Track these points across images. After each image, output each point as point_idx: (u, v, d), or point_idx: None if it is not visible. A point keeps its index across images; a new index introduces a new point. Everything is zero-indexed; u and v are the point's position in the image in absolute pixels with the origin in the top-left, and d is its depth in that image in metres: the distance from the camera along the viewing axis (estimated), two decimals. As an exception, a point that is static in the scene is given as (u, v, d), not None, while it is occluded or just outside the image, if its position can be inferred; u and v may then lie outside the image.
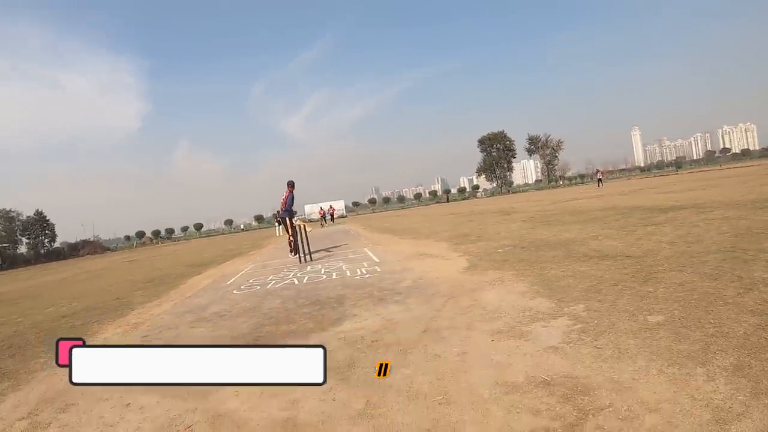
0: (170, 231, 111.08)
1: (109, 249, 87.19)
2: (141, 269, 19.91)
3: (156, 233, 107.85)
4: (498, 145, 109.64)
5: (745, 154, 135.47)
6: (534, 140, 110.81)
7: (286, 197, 13.41)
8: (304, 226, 12.94)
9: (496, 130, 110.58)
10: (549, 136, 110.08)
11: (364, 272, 9.15)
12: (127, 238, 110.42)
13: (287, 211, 13.52)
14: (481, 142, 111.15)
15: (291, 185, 13.47)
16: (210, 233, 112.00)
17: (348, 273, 9.35)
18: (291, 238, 13.62)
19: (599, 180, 55.01)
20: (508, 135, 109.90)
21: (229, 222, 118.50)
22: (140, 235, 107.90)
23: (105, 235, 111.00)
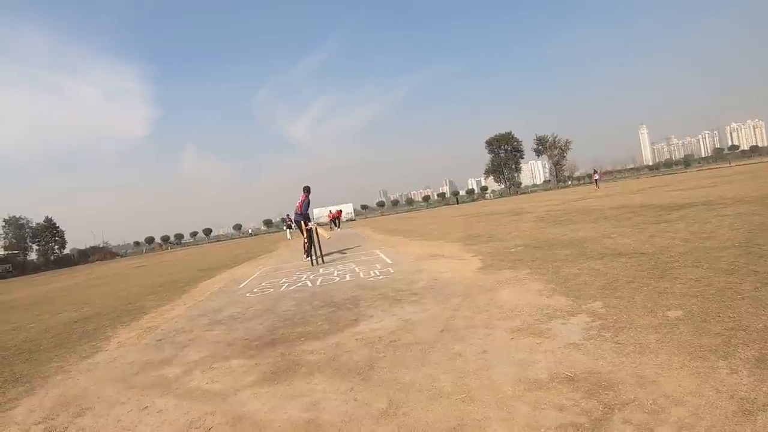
0: (179, 236, 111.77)
1: (118, 255, 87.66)
2: (152, 274, 19.98)
3: (165, 239, 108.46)
4: (506, 146, 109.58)
5: (754, 150, 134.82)
6: (542, 141, 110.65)
7: (302, 202, 13.55)
8: (317, 229, 12.97)
9: (503, 131, 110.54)
10: (557, 137, 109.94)
11: (378, 273, 9.14)
12: (137, 243, 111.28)
13: (302, 215, 13.59)
14: (489, 143, 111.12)
15: (307, 190, 13.75)
16: (219, 238, 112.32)
17: (361, 274, 9.35)
18: (306, 241, 13.66)
19: (596, 181, 54.04)
20: (515, 136, 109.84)
21: (237, 227, 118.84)
22: (149, 240, 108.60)
23: (114, 241, 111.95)
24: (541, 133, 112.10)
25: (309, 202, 13.74)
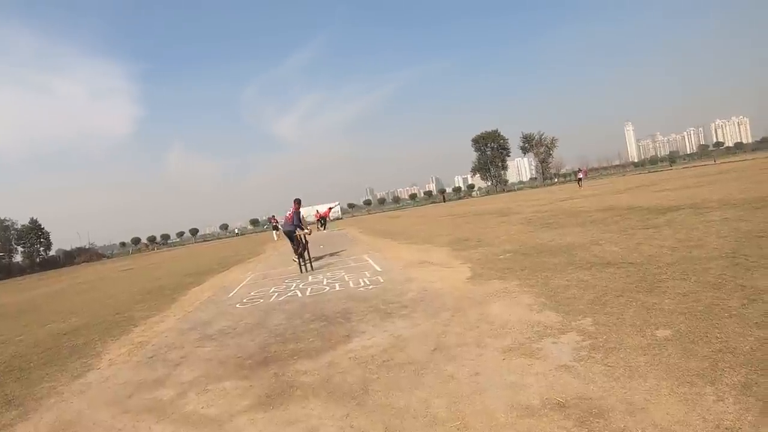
0: (166, 237, 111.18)
1: (104, 256, 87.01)
2: (139, 279, 19.88)
3: (152, 239, 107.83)
4: (492, 143, 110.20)
5: (739, 147, 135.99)
6: (528, 138, 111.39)
7: (293, 213, 13.61)
8: (304, 235, 12.98)
9: (489, 129, 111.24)
10: (543, 134, 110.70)
11: (367, 282, 9.17)
12: (123, 244, 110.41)
13: (294, 225, 13.63)
14: (476, 141, 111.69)
15: (297, 203, 13.85)
16: (206, 238, 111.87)
17: (351, 284, 9.35)
18: (295, 248, 13.65)
19: (579, 180, 52.63)
20: (502, 134, 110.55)
21: (224, 226, 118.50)
22: (135, 241, 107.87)
23: (100, 242, 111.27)
24: (527, 131, 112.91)
25: (299, 214, 13.79)
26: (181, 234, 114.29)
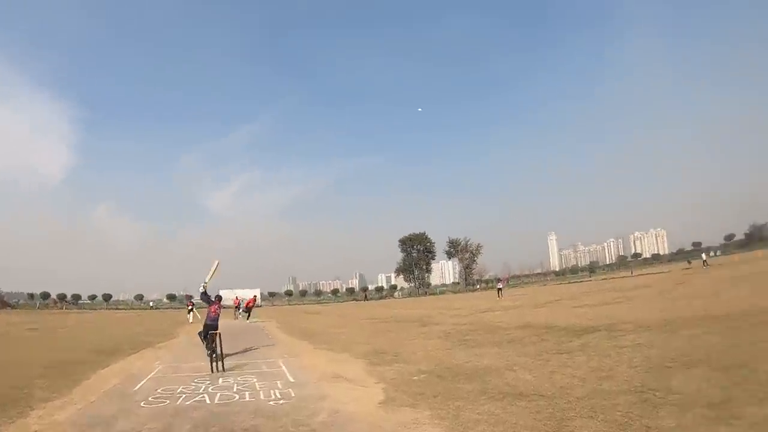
0: (77, 297, 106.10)
1: (9, 305, 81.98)
2: (43, 345, 19.04)
3: (61, 297, 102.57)
4: (419, 246, 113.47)
5: (656, 258, 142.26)
6: (454, 243, 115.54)
7: (216, 309, 13.71)
8: (220, 334, 12.73)
9: (417, 231, 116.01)
10: (468, 240, 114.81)
11: (278, 396, 8.86)
12: (31, 296, 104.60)
13: (216, 320, 13.48)
14: (403, 242, 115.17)
15: (219, 299, 14.10)
16: (118, 305, 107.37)
17: (261, 395, 9.02)
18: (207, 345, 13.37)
19: (499, 289, 50.88)
20: (429, 236, 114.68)
21: (139, 297, 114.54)
22: (45, 296, 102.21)
23: (6, 287, 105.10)
24: (453, 235, 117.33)
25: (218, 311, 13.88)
26: (93, 297, 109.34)
